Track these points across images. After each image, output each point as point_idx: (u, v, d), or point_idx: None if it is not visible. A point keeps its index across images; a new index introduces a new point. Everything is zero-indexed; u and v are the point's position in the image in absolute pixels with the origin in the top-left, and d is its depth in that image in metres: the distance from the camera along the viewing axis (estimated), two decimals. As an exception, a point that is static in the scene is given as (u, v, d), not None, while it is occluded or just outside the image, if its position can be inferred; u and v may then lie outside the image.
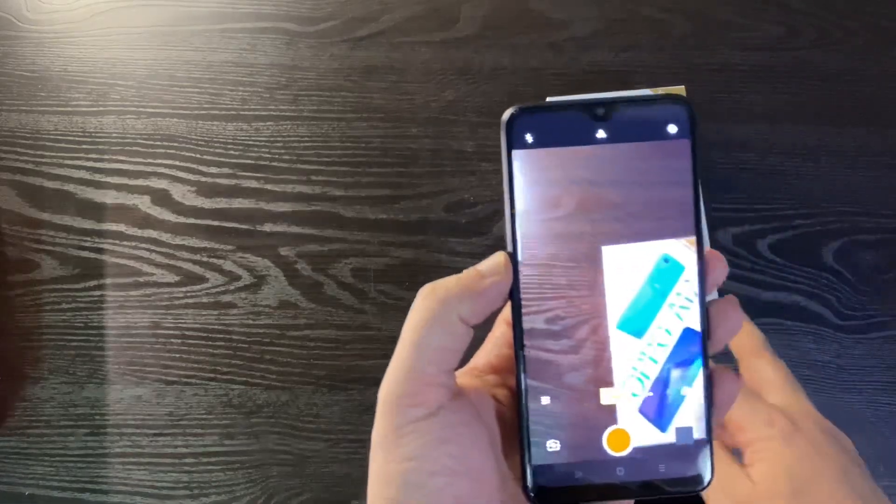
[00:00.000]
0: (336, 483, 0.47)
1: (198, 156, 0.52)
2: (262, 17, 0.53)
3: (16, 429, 0.49)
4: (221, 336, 0.49)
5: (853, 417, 0.47)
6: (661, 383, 0.25)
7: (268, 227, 0.51)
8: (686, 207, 0.25)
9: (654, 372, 0.25)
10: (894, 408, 0.47)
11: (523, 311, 0.25)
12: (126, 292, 0.50)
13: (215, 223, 0.51)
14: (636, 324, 0.25)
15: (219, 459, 0.48)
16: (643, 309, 0.25)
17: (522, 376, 0.25)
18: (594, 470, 0.25)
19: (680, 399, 0.25)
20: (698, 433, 0.25)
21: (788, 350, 0.48)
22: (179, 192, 0.51)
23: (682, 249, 0.25)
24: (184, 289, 0.50)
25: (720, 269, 0.25)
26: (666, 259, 0.25)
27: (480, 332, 0.29)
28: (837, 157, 0.50)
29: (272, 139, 0.52)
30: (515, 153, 0.25)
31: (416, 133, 0.51)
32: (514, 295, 0.25)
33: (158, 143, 0.52)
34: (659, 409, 0.25)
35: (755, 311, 0.48)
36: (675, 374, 0.25)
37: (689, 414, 0.25)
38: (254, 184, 0.51)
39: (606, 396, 0.25)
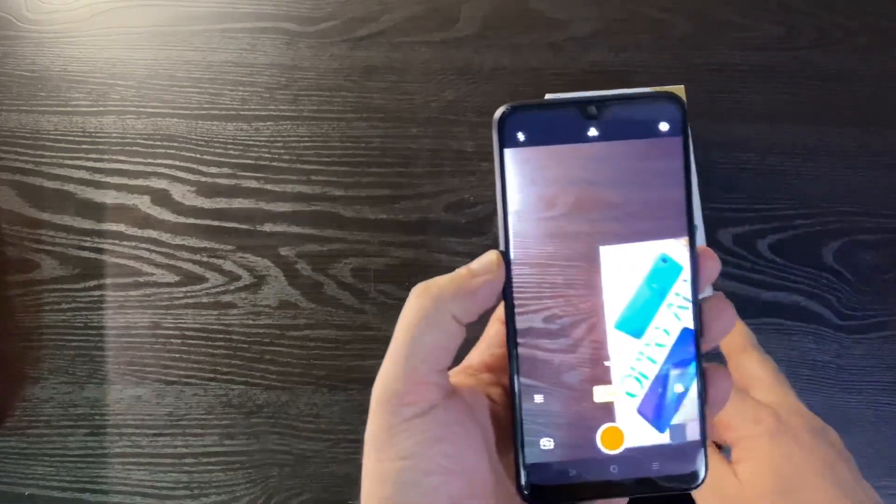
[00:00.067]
0: (336, 483, 0.47)
1: (198, 156, 0.52)
2: (262, 17, 0.53)
3: (16, 429, 0.49)
4: (221, 336, 0.49)
5: (853, 417, 0.47)
6: (660, 383, 0.25)
7: (268, 227, 0.51)
8: (679, 206, 0.25)
9: (652, 372, 0.25)
10: (894, 408, 0.47)
11: (516, 309, 0.25)
12: (126, 292, 0.50)
13: (215, 223, 0.51)
14: (635, 324, 0.25)
15: (219, 459, 0.48)
16: (641, 309, 0.25)
17: (515, 375, 0.25)
18: (588, 468, 0.25)
19: (678, 399, 0.25)
20: (692, 431, 0.25)
21: (788, 350, 0.48)
22: (179, 192, 0.51)
23: (681, 249, 0.25)
24: (184, 289, 0.50)
25: (712, 266, 0.25)
26: (664, 259, 0.25)
27: (475, 330, 0.29)
28: (837, 157, 0.50)
29: (272, 139, 0.52)
30: (507, 151, 0.25)
31: (416, 133, 0.51)
32: (506, 293, 0.25)
33: (158, 143, 0.52)
34: (657, 409, 0.25)
35: (755, 311, 0.48)
36: (674, 374, 0.25)
37: (684, 412, 0.25)
38: (254, 184, 0.51)
39: (600, 394, 0.25)
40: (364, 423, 0.24)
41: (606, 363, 0.25)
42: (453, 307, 0.24)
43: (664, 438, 0.25)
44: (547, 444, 0.25)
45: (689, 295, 0.25)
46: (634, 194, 0.25)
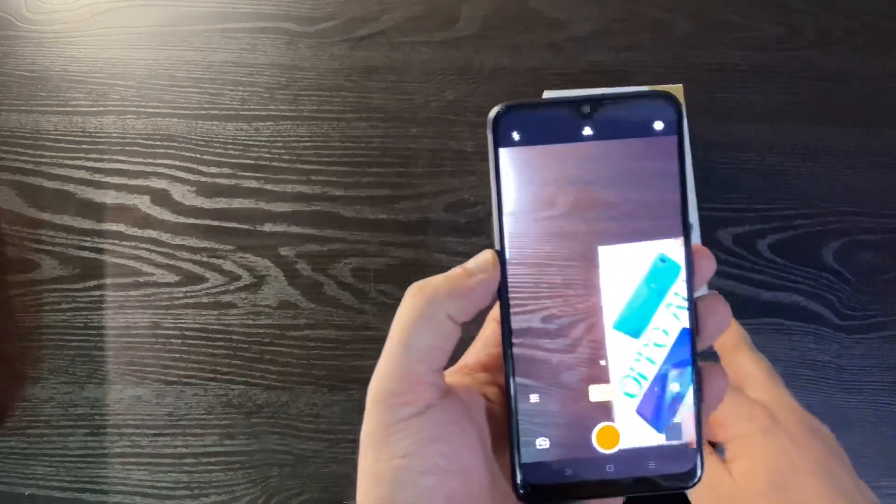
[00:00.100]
0: (336, 483, 0.47)
1: (198, 156, 0.52)
2: (262, 17, 0.54)
3: (16, 429, 0.49)
4: (221, 336, 0.49)
5: (853, 417, 0.47)
6: (659, 384, 0.25)
7: (268, 227, 0.50)
8: (675, 205, 0.25)
9: (651, 372, 0.25)
10: (894, 408, 0.47)
11: (511, 308, 0.25)
12: (126, 292, 0.50)
13: (215, 223, 0.51)
14: (633, 324, 0.25)
15: (219, 459, 0.48)
16: (640, 309, 0.25)
17: (511, 374, 0.25)
18: (584, 467, 0.25)
19: (677, 399, 0.25)
20: (688, 430, 0.25)
21: (788, 350, 0.48)
22: (179, 192, 0.51)
23: (680, 249, 0.25)
24: (184, 289, 0.50)
25: (707, 265, 0.25)
26: (663, 259, 0.25)
27: (471, 330, 0.29)
28: (837, 157, 0.50)
29: (272, 139, 0.52)
30: (502, 151, 0.25)
31: (416, 133, 0.51)
32: (501, 293, 0.25)
33: (158, 143, 0.52)
34: (657, 409, 0.25)
35: (755, 311, 0.48)
36: (673, 374, 0.25)
37: (680, 411, 0.25)
38: (254, 184, 0.51)
39: (595, 394, 0.25)
40: (364, 423, 0.24)
41: (602, 362, 0.25)
42: (448, 307, 0.24)
43: (660, 438, 0.25)
44: (543, 443, 0.25)
45: (686, 294, 0.25)
46: (630, 194, 0.25)
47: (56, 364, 0.49)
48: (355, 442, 0.24)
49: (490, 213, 0.46)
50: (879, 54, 0.51)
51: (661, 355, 0.25)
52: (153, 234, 0.51)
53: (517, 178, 0.25)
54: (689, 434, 0.25)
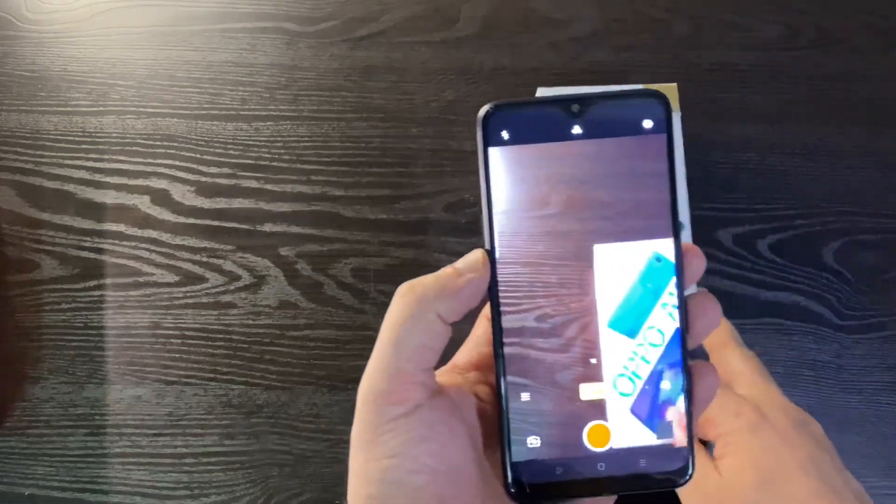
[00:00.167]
0: (336, 483, 0.47)
1: (198, 156, 0.52)
2: (262, 17, 0.54)
3: (16, 429, 0.49)
4: (221, 336, 0.49)
5: (853, 417, 0.47)
6: (653, 383, 0.25)
7: (268, 227, 0.50)
8: (665, 204, 0.25)
9: (646, 372, 0.25)
10: (894, 408, 0.47)
11: (502, 308, 0.25)
12: (126, 292, 0.50)
13: (215, 223, 0.51)
14: (628, 323, 0.25)
15: (219, 459, 0.48)
16: (635, 308, 0.25)
17: (501, 373, 0.25)
18: (575, 466, 0.25)
19: (670, 398, 0.25)
20: (679, 428, 0.25)
21: (788, 350, 0.48)
22: (179, 192, 0.51)
23: (672, 248, 0.25)
24: (184, 289, 0.50)
25: (697, 263, 0.25)
26: (658, 258, 0.25)
27: (463, 330, 0.29)
28: (837, 157, 0.50)
29: (272, 139, 0.52)
30: (491, 150, 0.25)
31: (416, 133, 0.51)
32: (492, 292, 0.25)
33: (158, 143, 0.52)
34: (651, 408, 0.25)
35: (755, 311, 0.48)
36: (668, 374, 0.25)
37: (672, 410, 0.25)
38: (254, 184, 0.51)
39: (587, 392, 0.25)
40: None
41: (594, 361, 0.25)
42: (438, 306, 0.24)
43: (651, 436, 0.25)
44: (533, 442, 0.25)
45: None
46: (620, 192, 0.25)
47: (56, 364, 0.49)
48: (355, 442, 0.24)
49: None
50: (879, 54, 0.51)
51: (656, 355, 0.25)
52: (153, 234, 0.51)
53: (507, 177, 0.25)
54: (679, 432, 0.25)
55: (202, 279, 0.50)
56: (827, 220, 0.49)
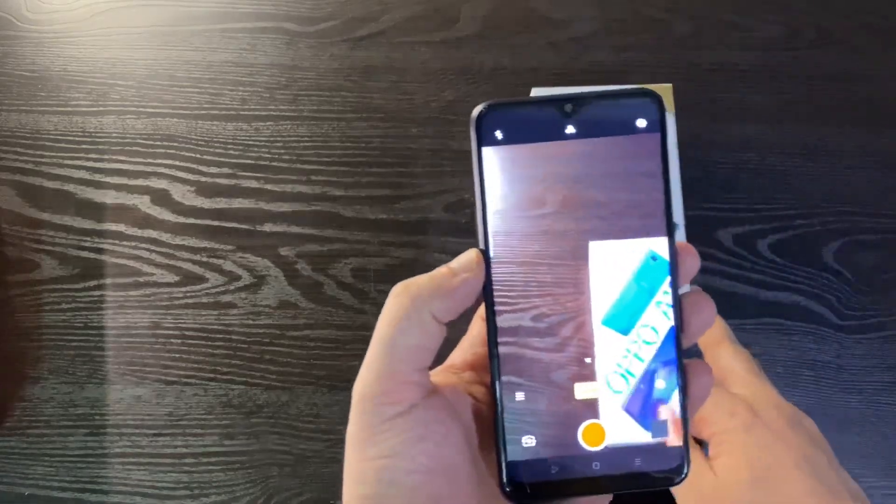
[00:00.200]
0: (336, 483, 0.47)
1: (198, 156, 0.52)
2: (262, 17, 0.54)
3: (16, 429, 0.49)
4: (221, 336, 0.49)
5: (853, 417, 0.47)
6: (647, 381, 0.25)
7: (268, 227, 0.50)
8: (659, 202, 0.25)
9: (639, 370, 0.25)
10: (894, 408, 0.47)
11: (497, 307, 0.25)
12: (126, 292, 0.50)
13: (215, 223, 0.51)
14: (622, 321, 0.25)
15: (219, 459, 0.48)
16: (629, 306, 0.25)
17: (496, 373, 0.25)
18: (570, 465, 0.25)
19: (664, 396, 0.25)
20: (674, 426, 0.25)
21: (788, 350, 0.48)
22: (179, 192, 0.51)
23: (667, 246, 0.25)
24: (184, 289, 0.50)
25: (691, 261, 0.25)
26: (653, 257, 0.25)
27: (460, 330, 0.29)
28: (837, 157, 0.50)
29: (272, 139, 0.52)
30: (485, 150, 0.25)
31: (416, 133, 0.51)
32: (486, 291, 0.25)
33: (158, 143, 0.52)
34: (644, 406, 0.25)
35: (755, 311, 0.48)
36: (661, 372, 0.25)
37: (666, 408, 0.25)
38: (254, 184, 0.51)
39: (581, 391, 0.25)
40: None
41: (588, 360, 0.25)
42: (433, 306, 0.24)
43: (646, 435, 0.25)
44: (529, 441, 0.25)
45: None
46: (615, 191, 0.25)
47: (56, 364, 0.49)
48: (355, 442, 0.24)
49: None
50: (879, 54, 0.51)
51: (649, 353, 0.25)
52: (153, 234, 0.51)
53: (501, 176, 0.25)
54: (674, 431, 0.25)
55: (202, 279, 0.50)
56: (827, 220, 0.49)
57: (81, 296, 0.50)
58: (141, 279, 0.50)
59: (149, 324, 0.50)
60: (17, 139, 0.52)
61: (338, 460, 0.49)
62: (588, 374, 0.25)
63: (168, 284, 0.50)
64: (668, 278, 0.25)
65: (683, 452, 0.25)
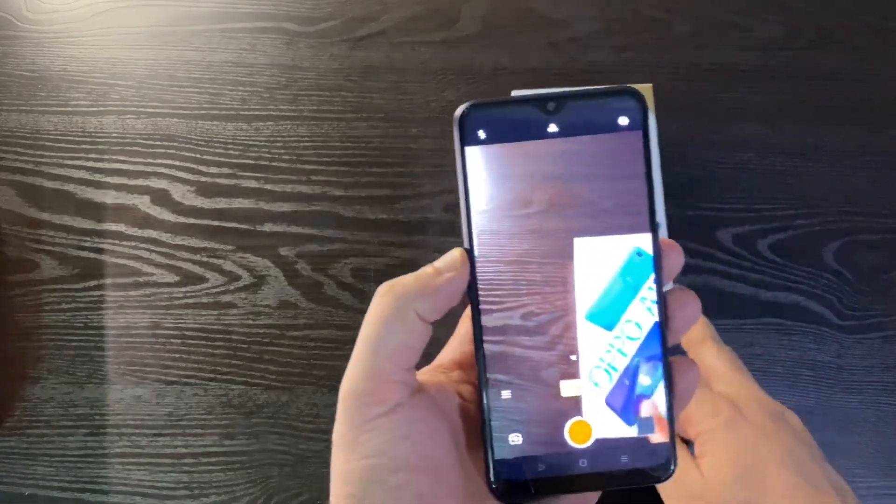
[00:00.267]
0: (336, 483, 0.47)
1: (198, 156, 0.52)
2: (262, 17, 0.54)
3: (16, 429, 0.49)
4: (221, 336, 0.49)
5: (853, 417, 0.47)
6: (629, 376, 0.25)
7: (268, 227, 0.50)
8: (642, 199, 0.25)
9: (622, 364, 0.25)
10: (894, 408, 0.47)
11: (483, 305, 0.25)
12: (126, 292, 0.50)
13: (215, 223, 0.51)
14: (606, 316, 0.25)
15: (219, 459, 0.48)
16: (614, 302, 0.25)
17: (482, 371, 0.25)
18: (557, 462, 0.25)
19: (647, 392, 0.25)
20: (660, 423, 0.25)
21: (788, 350, 0.48)
22: (179, 192, 0.51)
23: (652, 243, 0.25)
24: (184, 289, 0.50)
25: (675, 258, 0.25)
26: (639, 253, 0.25)
27: (448, 329, 0.29)
28: (837, 157, 0.50)
29: (272, 139, 0.52)
30: (468, 149, 0.25)
31: (416, 133, 0.51)
32: (472, 290, 0.25)
33: (158, 143, 0.52)
34: (626, 401, 0.25)
35: (755, 311, 0.48)
36: (644, 367, 0.25)
37: (652, 405, 0.25)
38: (254, 184, 0.51)
39: (567, 389, 0.25)
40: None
41: (573, 357, 0.25)
42: (418, 305, 0.24)
43: (632, 431, 0.25)
44: (515, 439, 0.25)
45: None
46: (598, 188, 0.25)
47: (56, 364, 0.49)
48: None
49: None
50: (879, 54, 0.51)
51: (632, 348, 0.25)
52: (153, 234, 0.51)
53: (484, 175, 0.25)
54: (661, 428, 0.25)
55: (202, 279, 0.50)
56: (827, 220, 0.49)
57: (81, 296, 0.50)
58: (141, 279, 0.50)
59: (149, 324, 0.50)
60: (17, 139, 0.52)
61: (338, 460, 0.48)
62: (573, 371, 0.25)
63: (168, 284, 0.50)
64: (653, 275, 0.25)
65: (670, 449, 0.25)
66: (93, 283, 0.50)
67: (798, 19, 0.52)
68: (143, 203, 0.51)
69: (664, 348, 0.25)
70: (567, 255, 0.25)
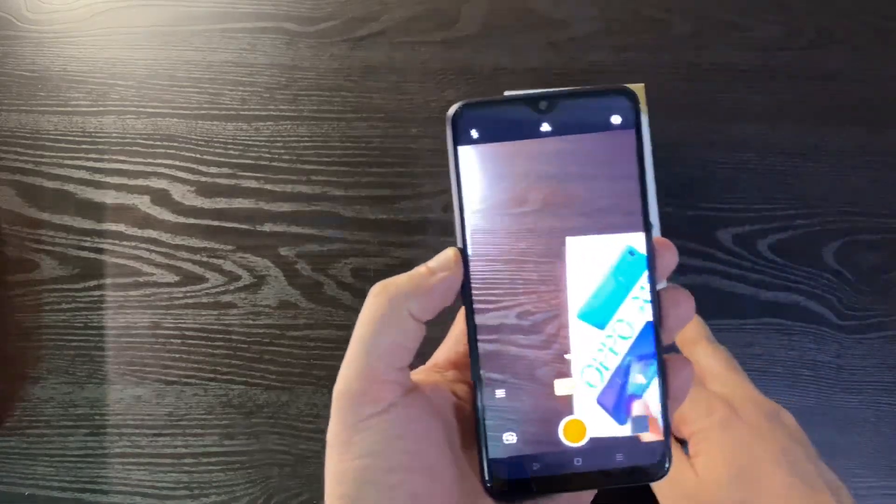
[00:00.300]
0: (336, 483, 0.47)
1: (198, 156, 0.52)
2: (262, 17, 0.54)
3: (16, 429, 0.49)
4: (221, 336, 0.49)
5: (853, 417, 0.47)
6: (621, 375, 0.25)
7: (268, 227, 0.50)
8: (635, 198, 0.25)
9: (613, 363, 0.25)
10: (894, 408, 0.47)
11: (476, 305, 0.25)
12: (126, 292, 0.50)
13: (215, 223, 0.51)
14: (598, 315, 0.25)
15: (219, 460, 0.48)
16: (606, 300, 0.25)
17: (476, 370, 0.25)
18: (552, 461, 0.25)
19: (639, 391, 0.25)
20: (655, 422, 0.25)
21: (788, 350, 0.48)
22: (179, 192, 0.51)
23: (644, 242, 0.25)
24: (184, 289, 0.50)
25: (669, 256, 0.25)
26: (631, 252, 0.25)
27: (444, 329, 0.29)
28: (837, 157, 0.50)
29: (272, 139, 0.52)
30: (461, 149, 0.25)
31: (416, 133, 0.51)
32: (465, 289, 0.25)
33: (158, 143, 0.52)
34: (617, 400, 0.25)
35: (755, 311, 0.48)
36: (636, 366, 0.25)
37: (645, 403, 0.25)
38: (254, 184, 0.51)
39: (561, 387, 0.25)
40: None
41: (566, 355, 0.25)
42: (411, 305, 0.24)
43: (625, 430, 0.25)
44: (510, 438, 0.25)
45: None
46: (591, 187, 0.25)
47: (56, 364, 0.49)
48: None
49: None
50: (879, 54, 0.51)
51: (624, 347, 0.25)
52: (153, 234, 0.51)
53: (477, 175, 0.25)
54: (655, 426, 0.25)
55: (202, 279, 0.50)
56: (827, 220, 0.49)
57: (81, 296, 0.50)
58: (141, 279, 0.50)
59: (149, 324, 0.50)
60: (17, 139, 0.52)
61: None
62: (566, 371, 0.25)
63: (168, 284, 0.50)
64: (646, 273, 0.25)
65: (664, 447, 0.25)
66: (93, 283, 0.50)
67: (798, 19, 0.52)
68: (143, 203, 0.51)
69: (658, 347, 0.25)
70: (559, 254, 0.25)
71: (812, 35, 0.51)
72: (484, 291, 0.25)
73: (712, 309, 0.48)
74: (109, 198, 0.51)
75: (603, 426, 0.25)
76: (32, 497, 0.48)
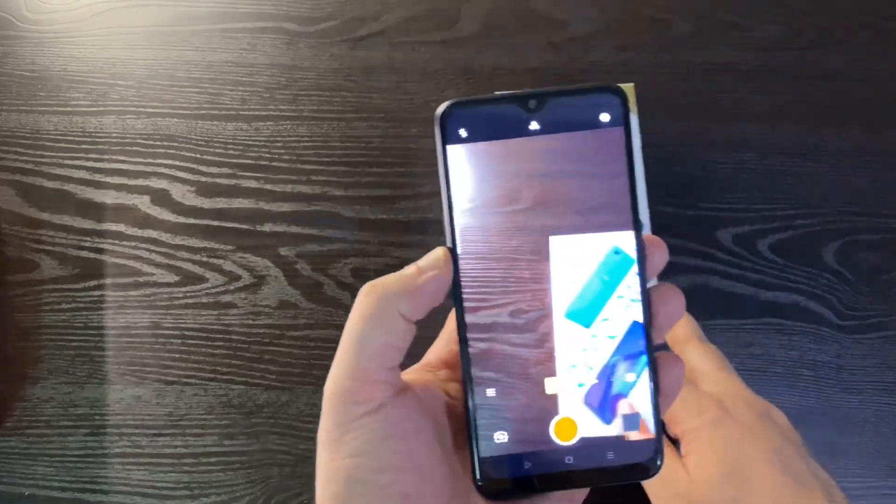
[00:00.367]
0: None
1: (198, 156, 0.52)
2: (262, 17, 0.53)
3: (16, 429, 0.49)
4: (221, 336, 0.49)
5: (853, 417, 0.47)
6: (607, 374, 0.25)
7: (268, 227, 0.50)
8: (624, 197, 0.25)
9: (600, 362, 0.25)
10: (894, 408, 0.47)
11: (466, 304, 0.25)
12: (126, 292, 0.50)
13: (215, 223, 0.51)
14: (584, 314, 0.25)
15: (218, 460, 0.48)
16: (592, 299, 0.25)
17: (467, 369, 0.25)
18: (543, 459, 0.25)
19: (625, 389, 0.25)
20: (646, 420, 0.25)
21: (788, 350, 0.48)
22: (179, 192, 0.51)
23: (632, 241, 0.25)
24: (184, 289, 0.50)
25: (659, 254, 0.25)
26: (616, 251, 0.25)
27: (436, 328, 0.29)
28: (837, 157, 0.50)
29: (272, 139, 0.52)
30: (450, 148, 0.25)
31: (416, 133, 0.51)
32: (455, 289, 0.25)
33: (158, 143, 0.52)
34: (603, 399, 0.25)
35: (755, 311, 0.48)
36: (622, 365, 0.25)
37: (636, 402, 0.25)
38: (254, 184, 0.51)
39: (551, 386, 0.25)
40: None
41: (554, 354, 0.25)
42: (401, 305, 0.24)
43: (618, 429, 0.25)
44: (501, 437, 0.25)
45: (639, 285, 0.25)
46: (579, 186, 0.25)
47: (56, 364, 0.49)
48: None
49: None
50: (879, 54, 0.51)
51: (611, 346, 0.25)
52: (153, 234, 0.51)
53: (466, 174, 0.25)
54: (646, 424, 0.25)
55: (202, 279, 0.50)
56: (827, 220, 0.49)
57: (81, 296, 0.50)
58: (141, 279, 0.50)
59: (149, 324, 0.50)
60: (17, 139, 0.52)
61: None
62: (554, 369, 0.25)
63: (168, 284, 0.50)
64: (631, 272, 0.25)
65: (656, 445, 0.25)
66: (93, 283, 0.50)
67: (798, 19, 0.52)
68: (143, 203, 0.51)
69: (649, 345, 0.25)
70: (546, 253, 0.25)
71: (812, 35, 0.51)
72: (474, 290, 0.25)
73: (712, 309, 0.48)
74: (109, 198, 0.51)
75: (593, 425, 0.25)
76: (32, 497, 0.48)
